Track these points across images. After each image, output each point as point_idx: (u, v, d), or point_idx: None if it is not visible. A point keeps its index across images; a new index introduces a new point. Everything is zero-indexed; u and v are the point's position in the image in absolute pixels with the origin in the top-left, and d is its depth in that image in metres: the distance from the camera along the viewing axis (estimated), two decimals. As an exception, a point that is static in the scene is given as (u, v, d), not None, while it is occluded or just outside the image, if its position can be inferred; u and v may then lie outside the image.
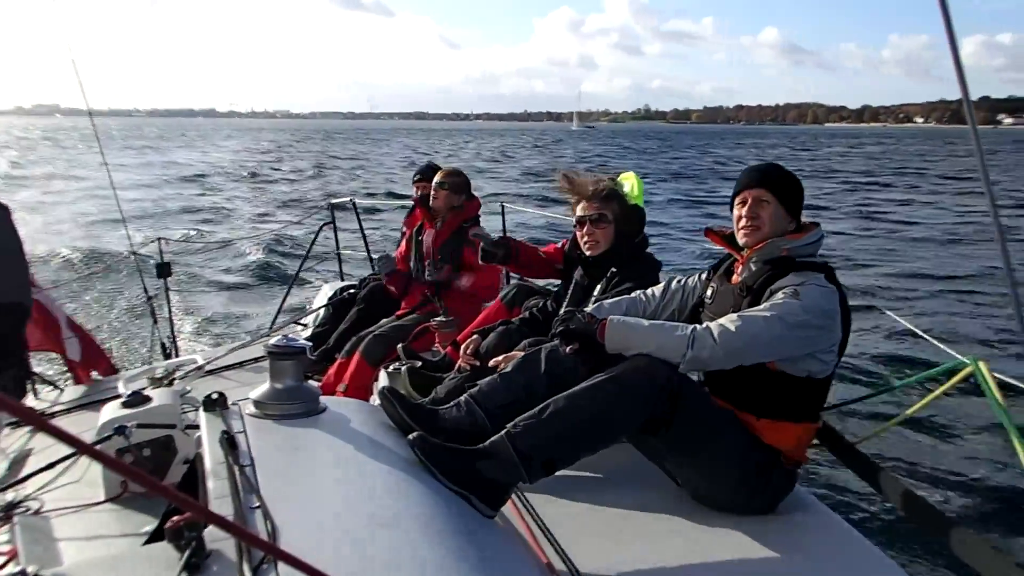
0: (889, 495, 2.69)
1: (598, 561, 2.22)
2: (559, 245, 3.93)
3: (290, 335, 2.31)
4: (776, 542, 2.37)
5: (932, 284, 13.56)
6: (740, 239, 2.71)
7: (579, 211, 3.44)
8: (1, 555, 3.09)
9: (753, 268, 2.64)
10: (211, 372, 5.14)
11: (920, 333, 3.73)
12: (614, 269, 3.35)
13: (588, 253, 3.44)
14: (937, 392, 2.84)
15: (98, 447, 0.85)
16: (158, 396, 3.52)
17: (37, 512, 3.04)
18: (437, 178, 4.90)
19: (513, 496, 2.36)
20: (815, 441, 2.80)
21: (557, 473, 2.38)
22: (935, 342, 3.37)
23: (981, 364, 2.52)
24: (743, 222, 2.68)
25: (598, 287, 3.38)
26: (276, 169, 42.50)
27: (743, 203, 2.69)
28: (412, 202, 5.36)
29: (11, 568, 2.94)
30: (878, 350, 9.04)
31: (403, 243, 5.29)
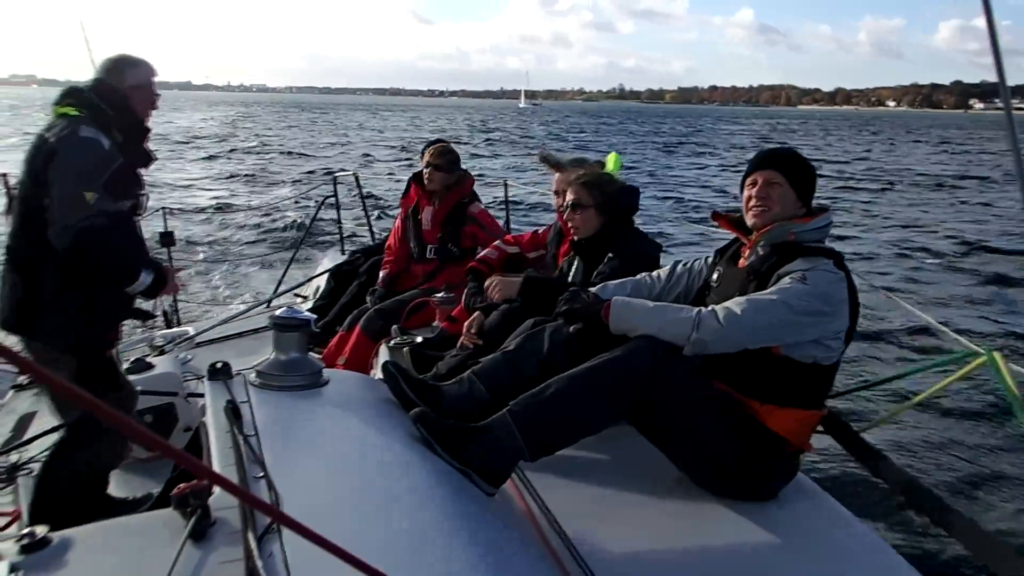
0: (892, 484, 2.68)
1: (596, 541, 2.21)
2: (538, 232, 4.15)
3: (291, 307, 2.30)
4: (777, 529, 2.36)
5: (947, 274, 13.44)
6: (749, 220, 2.68)
7: (563, 197, 3.56)
8: (5, 515, 3.10)
9: (760, 252, 2.61)
10: (212, 341, 5.13)
11: (933, 323, 3.67)
12: (611, 254, 3.34)
13: (575, 237, 3.50)
14: (947, 380, 2.80)
15: None
16: (160, 364, 3.52)
17: None
18: (429, 159, 4.80)
19: (514, 475, 2.35)
20: (819, 428, 2.78)
21: (559, 453, 2.37)
22: (949, 331, 3.32)
23: (996, 354, 2.49)
24: (753, 202, 2.66)
25: (596, 271, 3.37)
26: (266, 144, 41.86)
27: (753, 184, 2.67)
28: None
29: (15, 529, 2.95)
30: (888, 338, 8.90)
31: (398, 222, 5.11)
